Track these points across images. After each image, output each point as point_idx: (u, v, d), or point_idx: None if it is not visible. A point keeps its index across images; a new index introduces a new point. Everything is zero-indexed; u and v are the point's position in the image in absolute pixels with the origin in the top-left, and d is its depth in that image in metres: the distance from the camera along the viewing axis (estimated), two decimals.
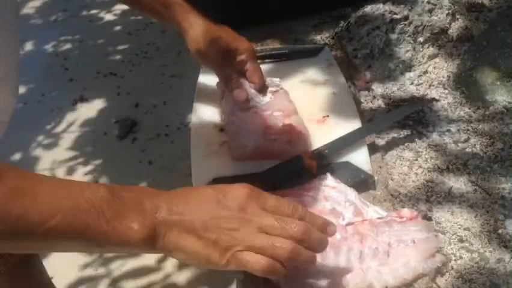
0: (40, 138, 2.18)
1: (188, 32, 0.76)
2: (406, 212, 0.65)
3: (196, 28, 0.75)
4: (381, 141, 0.82)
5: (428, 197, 0.71)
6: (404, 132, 0.83)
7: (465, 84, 0.90)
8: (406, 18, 0.97)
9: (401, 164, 0.77)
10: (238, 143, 0.77)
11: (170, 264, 1.55)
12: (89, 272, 1.55)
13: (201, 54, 0.77)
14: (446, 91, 0.91)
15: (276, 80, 0.85)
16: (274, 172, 0.73)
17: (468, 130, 0.82)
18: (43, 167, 2.01)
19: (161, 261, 1.56)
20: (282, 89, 0.84)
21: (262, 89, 0.82)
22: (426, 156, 0.78)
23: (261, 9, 1.12)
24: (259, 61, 0.85)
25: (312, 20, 1.15)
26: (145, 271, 1.54)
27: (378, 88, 0.95)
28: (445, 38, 0.97)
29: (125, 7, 3.07)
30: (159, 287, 1.49)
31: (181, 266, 1.54)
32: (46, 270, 0.98)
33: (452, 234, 0.65)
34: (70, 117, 2.28)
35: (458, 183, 0.73)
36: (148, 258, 1.56)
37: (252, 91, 0.81)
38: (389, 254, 0.60)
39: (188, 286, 1.49)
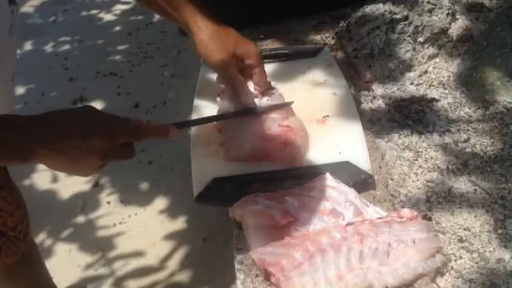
0: None
1: (197, 34, 0.76)
2: (406, 212, 0.65)
3: (205, 31, 0.75)
4: (381, 141, 0.82)
5: (428, 197, 0.71)
6: (404, 132, 0.83)
7: (465, 84, 0.90)
8: (406, 18, 0.97)
9: (401, 164, 0.78)
10: (235, 144, 0.77)
11: (173, 263, 1.55)
12: (90, 272, 1.55)
13: (209, 58, 0.77)
14: (446, 91, 0.91)
15: (272, 82, 0.85)
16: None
17: (468, 130, 0.82)
18: (43, 167, 2.01)
19: (163, 260, 1.56)
20: (277, 91, 0.84)
21: (265, 93, 0.82)
22: (426, 156, 0.78)
23: (261, 9, 1.12)
24: None
25: (312, 20, 1.15)
26: (147, 271, 1.53)
27: (378, 88, 0.95)
28: (445, 38, 0.97)
29: (125, 7, 3.06)
30: (161, 287, 1.49)
31: (184, 265, 1.54)
32: (47, 270, 0.98)
33: (452, 234, 0.65)
34: None
35: (458, 183, 0.73)
36: (150, 258, 1.56)
37: (252, 94, 0.81)
38: (389, 254, 0.61)
39: (190, 285, 1.48)
